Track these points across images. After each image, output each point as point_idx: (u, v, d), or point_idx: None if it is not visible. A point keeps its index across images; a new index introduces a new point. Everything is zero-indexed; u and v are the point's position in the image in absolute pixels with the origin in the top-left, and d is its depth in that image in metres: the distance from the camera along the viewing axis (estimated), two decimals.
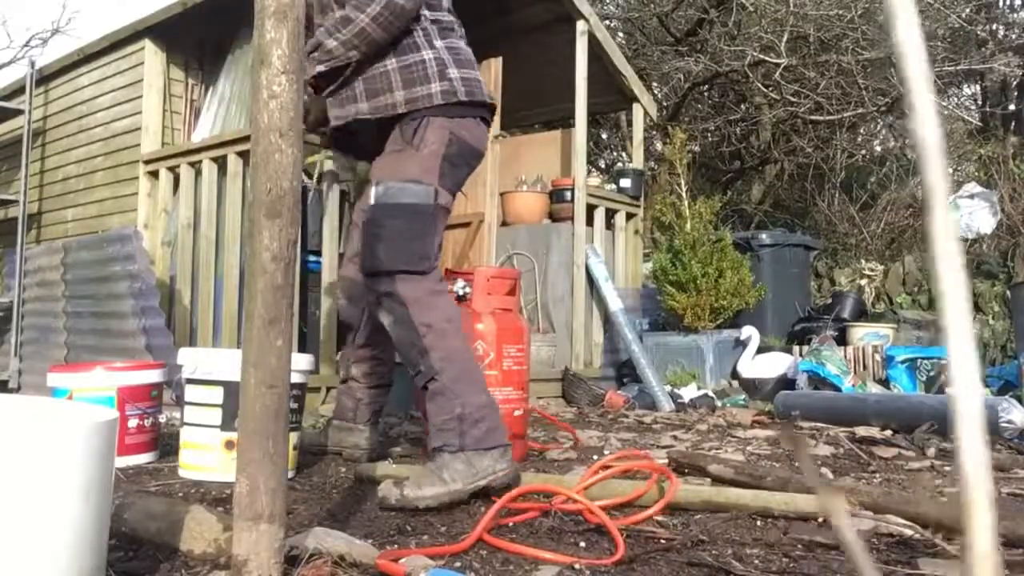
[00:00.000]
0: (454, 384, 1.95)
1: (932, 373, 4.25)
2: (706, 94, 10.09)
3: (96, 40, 5.05)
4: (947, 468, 2.55)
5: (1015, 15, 9.11)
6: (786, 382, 4.69)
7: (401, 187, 2.06)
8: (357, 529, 1.60)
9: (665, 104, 9.63)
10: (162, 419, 2.68)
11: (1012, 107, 9.58)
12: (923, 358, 4.36)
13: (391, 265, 2.01)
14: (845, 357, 4.74)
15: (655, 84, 9.58)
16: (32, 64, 5.41)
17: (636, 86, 5.84)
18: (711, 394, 4.71)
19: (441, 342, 1.98)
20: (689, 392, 4.74)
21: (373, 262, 2.04)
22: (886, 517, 1.69)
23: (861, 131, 10.29)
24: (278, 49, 1.12)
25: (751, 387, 4.85)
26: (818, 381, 4.49)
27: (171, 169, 4.53)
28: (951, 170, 9.55)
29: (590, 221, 5.40)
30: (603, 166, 10.92)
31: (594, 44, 5.39)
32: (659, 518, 1.74)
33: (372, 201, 2.08)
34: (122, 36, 4.82)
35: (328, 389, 3.94)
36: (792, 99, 8.53)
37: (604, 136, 11.26)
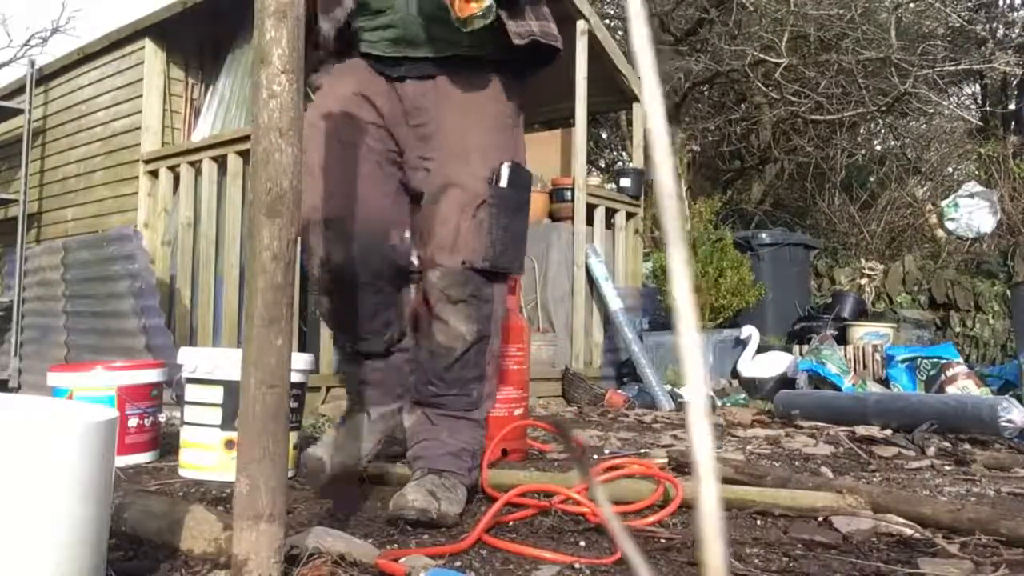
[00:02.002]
0: (484, 423, 1.87)
1: (932, 373, 4.25)
2: (706, 94, 10.09)
3: (96, 40, 5.05)
4: (947, 467, 2.55)
5: (1015, 14, 9.11)
6: (786, 381, 4.69)
7: (526, 175, 1.82)
8: (357, 529, 1.60)
9: (665, 104, 9.62)
10: (162, 418, 2.68)
11: (1012, 106, 9.58)
12: (923, 358, 4.36)
13: (507, 266, 1.79)
14: (845, 356, 4.74)
15: None
16: (32, 63, 5.41)
17: (636, 86, 5.84)
18: (711, 393, 4.71)
19: (494, 376, 1.86)
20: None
21: (493, 258, 1.75)
22: (886, 517, 1.69)
23: (861, 131, 10.29)
24: (278, 48, 1.12)
25: (751, 386, 4.85)
26: (818, 380, 4.49)
27: (171, 168, 4.53)
28: (951, 170, 9.55)
29: (590, 221, 5.40)
30: (603, 166, 10.92)
31: (594, 44, 5.38)
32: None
33: (504, 183, 1.77)
34: (122, 36, 4.82)
35: (328, 388, 3.94)
36: (792, 98, 8.53)
37: (604, 136, 11.26)
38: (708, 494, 0.36)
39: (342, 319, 1.93)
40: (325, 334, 4.05)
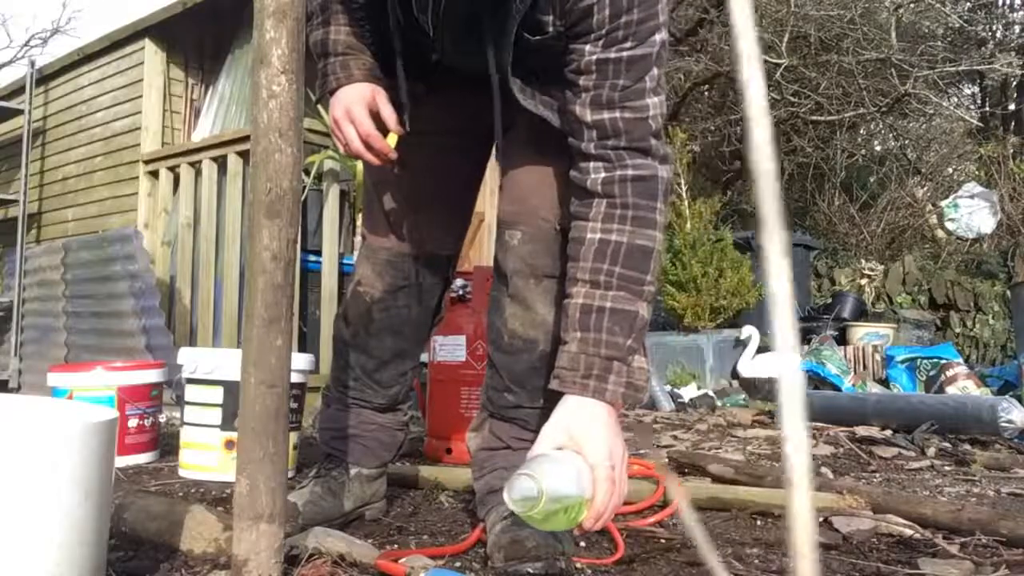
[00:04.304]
0: None
1: (932, 373, 4.25)
2: (706, 94, 10.09)
3: (96, 40, 5.06)
4: (947, 467, 2.55)
5: (1015, 14, 9.11)
6: None
7: None
8: (357, 529, 1.60)
9: (668, 103, 9.63)
10: (162, 419, 2.68)
11: (1012, 107, 9.59)
12: (923, 358, 4.37)
13: None
14: (845, 357, 4.75)
15: None
16: (32, 64, 5.42)
17: None
18: (711, 394, 4.71)
19: None
20: (689, 392, 4.74)
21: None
22: (886, 517, 1.69)
23: (861, 131, 10.29)
24: (278, 49, 1.12)
25: (751, 387, 4.85)
26: (818, 381, 4.49)
27: (171, 169, 4.53)
28: (951, 170, 9.56)
29: None
30: None
31: None
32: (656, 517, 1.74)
33: None
34: (122, 36, 4.83)
35: None
36: (792, 99, 8.53)
37: None
38: (802, 504, 0.35)
39: (358, 352, 1.70)
40: (325, 334, 4.06)
